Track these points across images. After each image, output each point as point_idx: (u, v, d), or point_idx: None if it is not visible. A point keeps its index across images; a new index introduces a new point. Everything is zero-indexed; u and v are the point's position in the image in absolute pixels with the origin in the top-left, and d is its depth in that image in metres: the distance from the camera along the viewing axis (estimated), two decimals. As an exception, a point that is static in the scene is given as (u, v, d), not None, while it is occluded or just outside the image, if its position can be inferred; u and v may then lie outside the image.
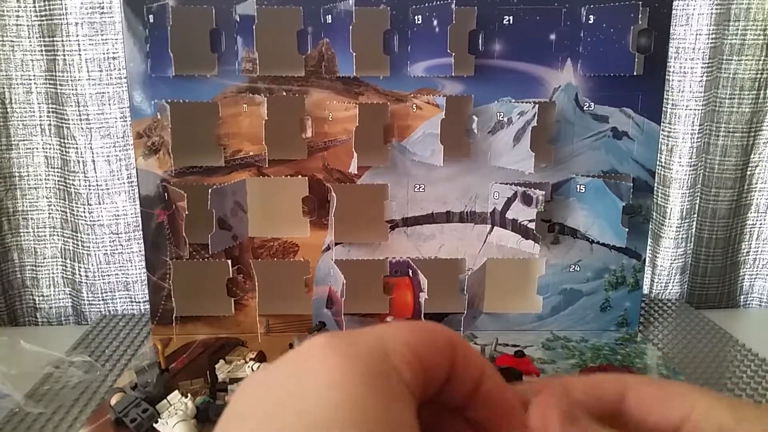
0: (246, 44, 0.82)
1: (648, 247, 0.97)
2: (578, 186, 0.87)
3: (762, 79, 0.99)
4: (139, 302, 1.01)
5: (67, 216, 0.99)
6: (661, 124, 0.90)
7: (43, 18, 0.91)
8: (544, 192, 0.85)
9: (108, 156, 0.95)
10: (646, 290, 1.05)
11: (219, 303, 0.89)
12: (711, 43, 0.93)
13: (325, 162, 0.86)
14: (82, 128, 0.93)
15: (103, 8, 0.90)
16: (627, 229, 0.84)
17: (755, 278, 1.11)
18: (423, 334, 0.22)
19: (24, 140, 0.97)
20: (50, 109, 0.95)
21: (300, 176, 0.86)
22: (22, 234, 1.01)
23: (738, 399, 0.21)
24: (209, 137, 0.84)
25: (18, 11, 0.92)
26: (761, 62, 0.98)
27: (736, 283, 1.12)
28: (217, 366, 0.78)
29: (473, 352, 0.22)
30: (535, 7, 0.82)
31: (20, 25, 0.92)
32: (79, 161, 0.95)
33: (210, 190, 0.81)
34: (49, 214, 1.01)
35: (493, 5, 0.81)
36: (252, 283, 0.88)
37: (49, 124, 0.96)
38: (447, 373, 0.22)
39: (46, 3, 0.90)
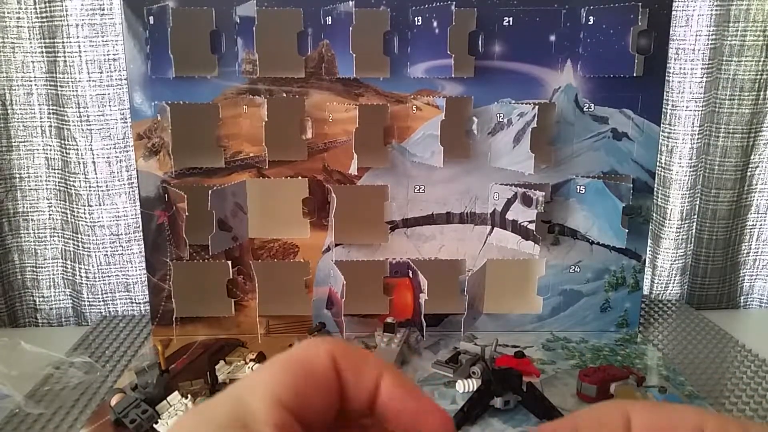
0: (246, 45, 0.82)
1: (648, 248, 0.97)
2: (578, 187, 0.87)
3: (762, 80, 0.99)
4: (140, 303, 1.01)
5: (67, 217, 0.99)
6: (661, 125, 0.90)
7: (44, 20, 0.91)
8: (544, 193, 0.85)
9: (108, 157, 0.95)
10: (646, 291, 1.05)
11: (219, 304, 0.89)
12: (711, 44, 0.93)
13: (325, 163, 0.86)
14: (83, 129, 0.94)
15: (103, 10, 0.90)
16: (627, 230, 0.84)
17: (755, 279, 1.11)
18: (294, 373, 0.20)
19: (24, 141, 0.97)
20: (51, 111, 0.96)
21: (300, 177, 0.86)
22: (22, 235, 1.01)
23: (745, 419, 0.21)
24: (209, 139, 0.84)
25: (19, 13, 0.92)
26: (761, 63, 0.98)
27: (736, 283, 1.12)
28: (217, 367, 0.78)
29: (363, 358, 0.21)
30: (534, 9, 0.82)
31: (21, 26, 0.92)
32: (79, 162, 0.95)
33: (210, 192, 0.81)
34: (50, 215, 1.01)
35: (493, 6, 0.82)
36: (252, 284, 0.88)
37: (50, 126, 0.96)
38: (338, 395, 0.21)
39: (47, 5, 0.90)
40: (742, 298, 1.13)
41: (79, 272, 1.01)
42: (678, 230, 1.02)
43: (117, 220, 0.97)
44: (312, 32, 0.82)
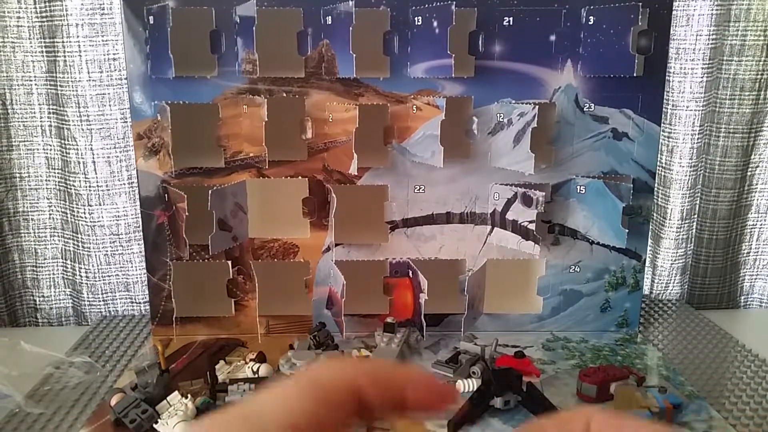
0: (246, 45, 0.82)
1: (648, 248, 0.97)
2: (578, 187, 0.87)
3: (762, 80, 0.99)
4: (140, 303, 1.01)
5: (67, 217, 0.99)
6: (662, 124, 0.90)
7: (44, 19, 0.91)
8: (544, 193, 0.85)
9: (108, 157, 0.95)
10: (646, 291, 1.05)
11: (219, 304, 0.89)
12: (711, 43, 0.93)
13: (325, 163, 0.86)
14: (83, 129, 0.94)
15: (103, 9, 0.90)
16: (627, 230, 0.84)
17: (755, 279, 1.11)
18: (313, 399, 0.20)
19: (25, 141, 0.97)
20: (51, 110, 0.95)
21: (300, 177, 0.86)
22: (22, 235, 1.01)
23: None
24: (209, 138, 0.84)
25: (19, 12, 0.92)
26: (761, 63, 0.98)
27: (737, 283, 1.12)
28: (217, 367, 0.78)
29: (390, 378, 0.22)
30: (535, 8, 0.82)
31: (21, 26, 0.92)
32: (79, 162, 0.95)
33: (210, 192, 0.81)
34: (50, 214, 1.01)
35: (493, 6, 0.81)
36: (252, 283, 0.88)
37: (50, 125, 0.96)
38: (356, 416, 0.21)
39: (47, 4, 0.90)
40: (742, 298, 1.13)
41: (79, 272, 1.01)
42: (678, 230, 1.02)
43: (117, 220, 0.97)
44: (312, 32, 0.82)
